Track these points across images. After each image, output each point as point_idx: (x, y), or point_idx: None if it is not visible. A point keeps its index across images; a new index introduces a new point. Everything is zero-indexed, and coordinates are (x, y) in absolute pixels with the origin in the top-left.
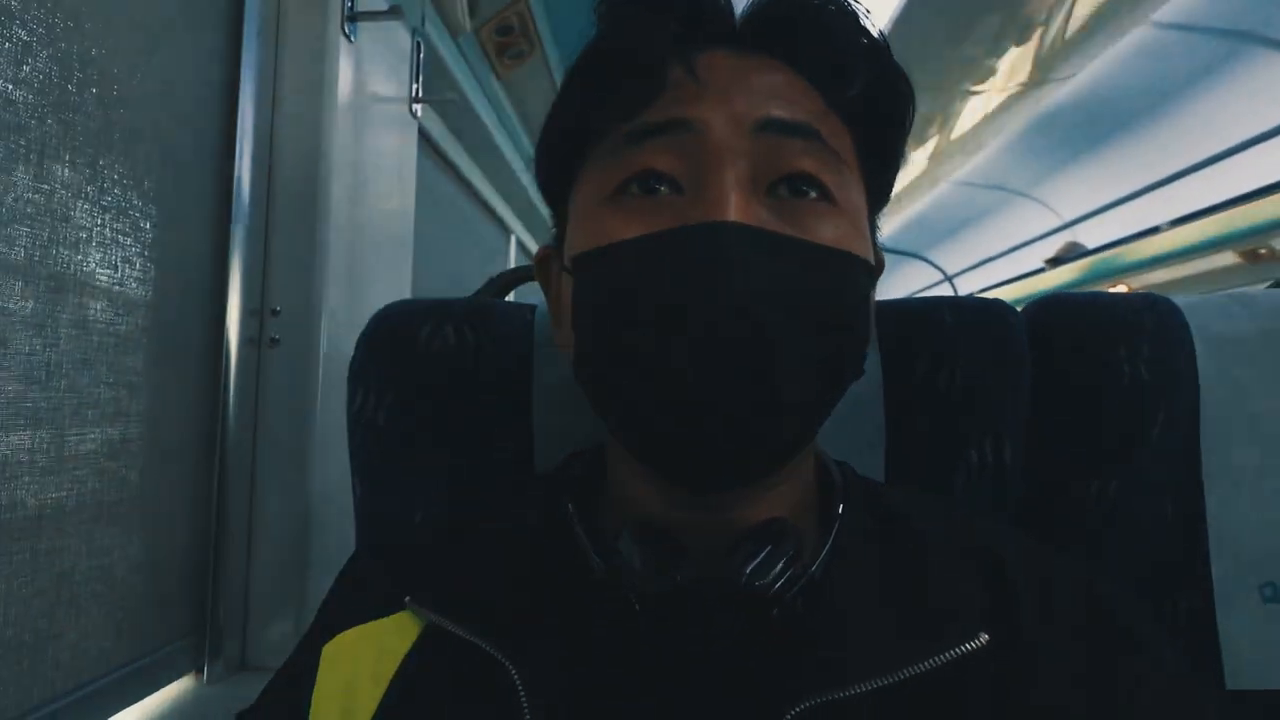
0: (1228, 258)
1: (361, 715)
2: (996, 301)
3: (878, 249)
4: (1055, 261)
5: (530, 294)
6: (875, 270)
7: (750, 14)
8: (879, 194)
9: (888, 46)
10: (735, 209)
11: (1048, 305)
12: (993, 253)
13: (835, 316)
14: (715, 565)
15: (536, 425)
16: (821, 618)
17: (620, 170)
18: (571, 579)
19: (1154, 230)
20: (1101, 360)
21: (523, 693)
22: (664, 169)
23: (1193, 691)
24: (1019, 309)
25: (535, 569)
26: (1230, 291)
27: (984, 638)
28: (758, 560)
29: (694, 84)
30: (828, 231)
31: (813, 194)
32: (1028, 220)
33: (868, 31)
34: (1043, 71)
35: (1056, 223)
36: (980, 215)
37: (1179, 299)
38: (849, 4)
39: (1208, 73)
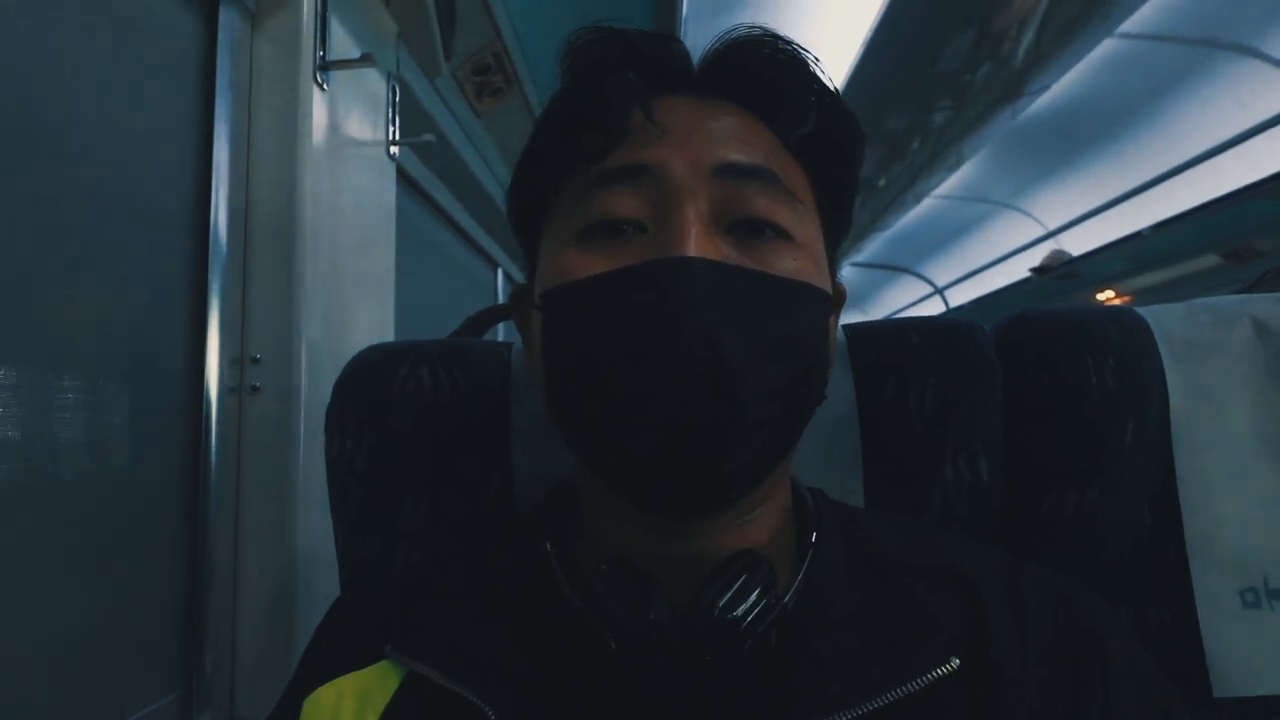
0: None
1: None
2: (965, 320)
3: (837, 282)
4: (1041, 270)
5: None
6: (835, 300)
7: (707, 61)
8: (836, 228)
9: (836, 91)
10: (695, 244)
11: (1016, 321)
12: (981, 264)
13: (793, 342)
14: (689, 598)
15: (516, 463)
16: (795, 649)
17: (586, 213)
18: (550, 620)
19: (1136, 236)
20: (1070, 373)
21: None
22: (627, 214)
23: (1168, 702)
24: (987, 326)
25: (514, 612)
26: (1194, 301)
27: (955, 662)
28: (730, 593)
29: (655, 129)
30: (786, 265)
31: (769, 233)
32: (1012, 230)
33: (817, 77)
34: (1018, 84)
35: (1041, 232)
36: (966, 228)
37: (1144, 309)
38: (799, 52)
39: (1179, 80)
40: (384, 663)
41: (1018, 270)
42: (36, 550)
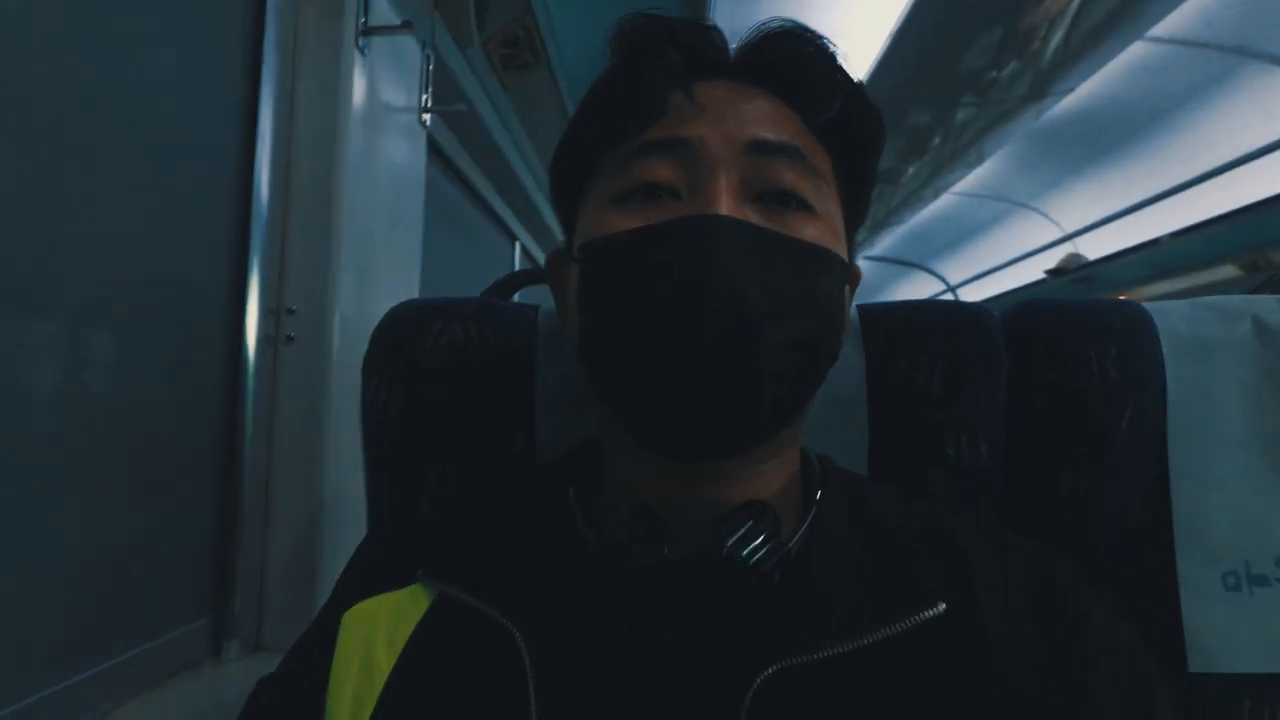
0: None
1: (378, 676)
2: (975, 305)
3: (853, 262)
4: (1057, 273)
5: (536, 298)
6: (851, 275)
7: (743, 50)
8: (855, 211)
9: (860, 82)
10: (726, 206)
11: (1024, 310)
12: (995, 264)
13: (812, 302)
14: (700, 541)
15: (540, 419)
16: (795, 590)
17: (626, 179)
18: (570, 556)
19: (1154, 243)
20: (1073, 362)
21: (526, 654)
22: (664, 179)
23: (1146, 674)
24: (996, 314)
25: (538, 548)
26: (1198, 299)
27: (941, 606)
28: (738, 535)
29: (693, 107)
30: (808, 233)
31: (794, 204)
32: (1029, 231)
33: (843, 69)
34: (1044, 84)
35: (1058, 234)
36: (983, 226)
37: (1149, 304)
38: (827, 45)
39: (1207, 87)
40: (416, 585)
41: (1032, 272)
42: (85, 485)
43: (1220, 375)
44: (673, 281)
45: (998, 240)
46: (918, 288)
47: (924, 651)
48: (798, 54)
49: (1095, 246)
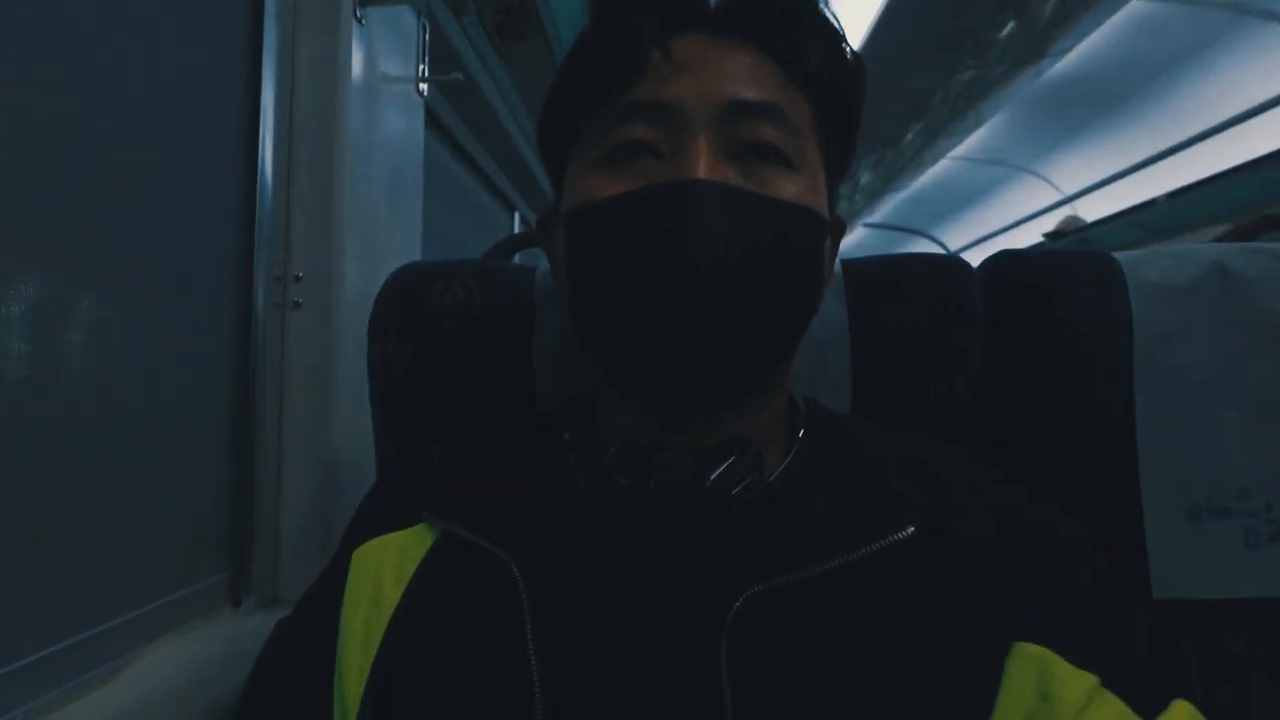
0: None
1: (386, 608)
2: (952, 256)
3: (836, 212)
4: (1055, 236)
5: (538, 259)
6: (834, 229)
7: (721, 4)
8: (837, 161)
9: (841, 32)
10: (705, 169)
11: (1001, 260)
12: (995, 228)
13: (792, 259)
14: (685, 475)
15: (538, 373)
16: (775, 521)
17: (608, 141)
18: (566, 495)
19: (1151, 204)
20: (1045, 308)
21: (522, 585)
22: (645, 139)
23: (1121, 588)
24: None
25: (535, 489)
26: (1167, 246)
27: (910, 530)
28: (721, 469)
29: (671, 66)
30: (787, 190)
31: (774, 159)
32: (1028, 195)
33: (824, 18)
34: (1042, 45)
35: (1057, 197)
36: (982, 191)
37: (1120, 254)
38: None
39: (1205, 45)
40: (421, 525)
41: (1032, 235)
42: (103, 445)
43: (1186, 320)
44: (654, 247)
45: (998, 204)
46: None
47: (898, 572)
48: (779, 5)
49: (1095, 209)
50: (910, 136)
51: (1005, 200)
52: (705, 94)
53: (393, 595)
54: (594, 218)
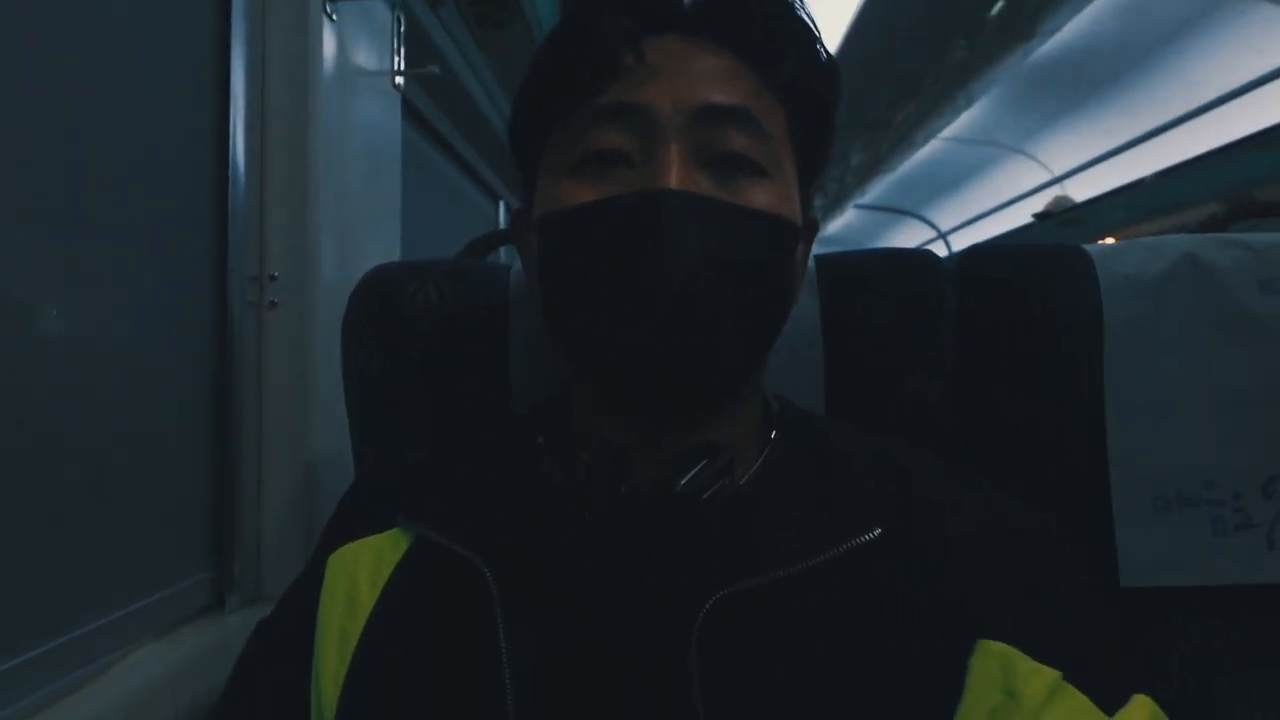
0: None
1: (361, 612)
2: (923, 251)
3: (809, 214)
4: (1044, 217)
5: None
6: (806, 231)
7: (696, 4)
8: (811, 163)
9: (817, 34)
10: (676, 178)
11: (973, 253)
12: (986, 208)
13: (762, 268)
14: (656, 481)
15: (513, 373)
16: (745, 524)
17: (580, 147)
18: (539, 498)
19: (1139, 184)
20: (1016, 301)
21: (494, 588)
22: (616, 146)
23: (1085, 583)
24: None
25: (508, 492)
26: (1138, 239)
27: (876, 532)
28: (691, 474)
29: (643, 69)
30: (758, 198)
31: (745, 168)
32: (1019, 175)
33: (799, 19)
34: (1031, 24)
35: (1046, 177)
36: (973, 171)
37: (1090, 246)
38: None
39: (1191, 25)
40: (396, 529)
41: (1023, 215)
42: (81, 448)
43: (1156, 312)
44: (626, 258)
45: (988, 185)
46: (909, 236)
47: (865, 573)
48: (753, 7)
49: (1085, 188)
50: (900, 118)
51: (995, 180)
52: (677, 98)
53: (368, 599)
54: (566, 226)
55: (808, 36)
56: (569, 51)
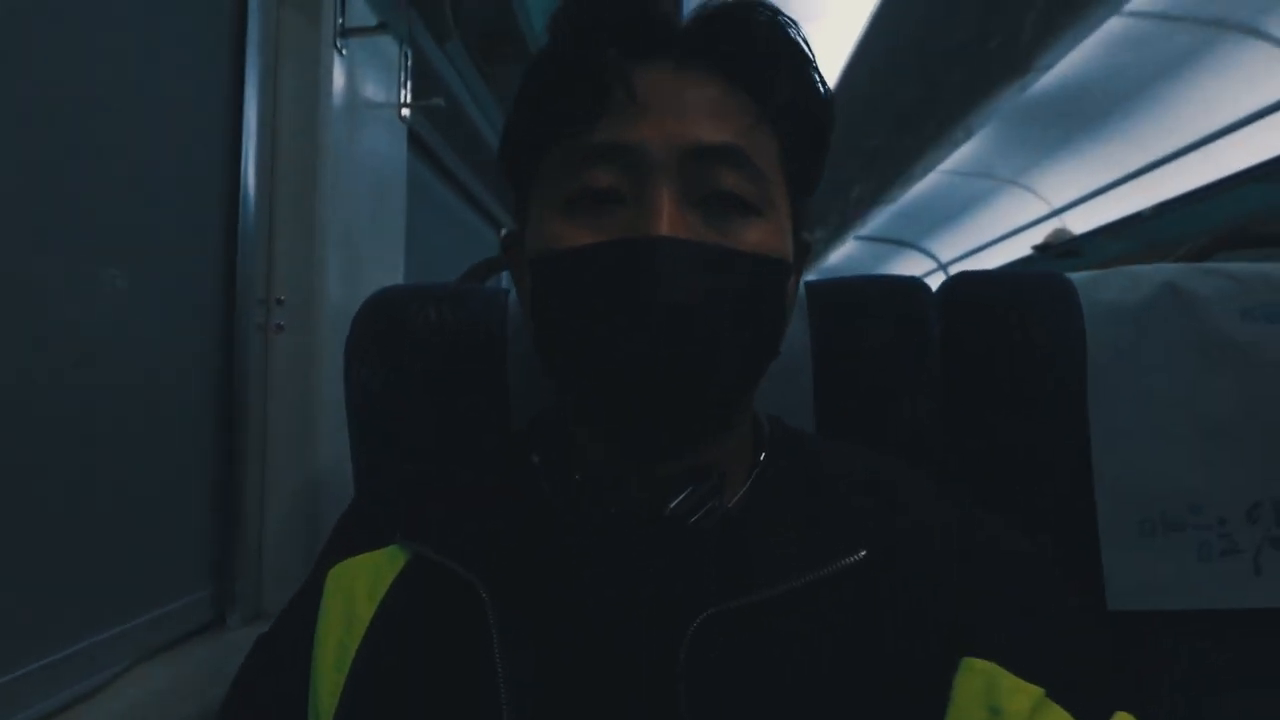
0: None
1: (359, 627)
2: (911, 278)
3: (801, 237)
4: (1043, 249)
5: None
6: (801, 256)
7: (690, 26)
8: (804, 188)
9: (812, 60)
10: (668, 221)
11: (959, 281)
12: (986, 240)
13: (754, 309)
14: (651, 503)
15: (512, 392)
16: (734, 546)
17: (572, 185)
18: (534, 518)
19: (1137, 217)
20: (1001, 328)
21: (489, 607)
22: (608, 186)
23: (1069, 602)
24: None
25: (503, 510)
26: (1120, 268)
27: (862, 553)
28: (681, 497)
29: (635, 106)
30: (751, 236)
31: (737, 207)
32: (1018, 208)
33: (794, 45)
34: (1026, 60)
35: (1045, 210)
36: (972, 204)
37: (1074, 275)
38: (778, 18)
39: (1185, 60)
40: (393, 546)
41: (1022, 248)
42: (89, 465)
43: (1139, 339)
44: (618, 302)
45: (987, 217)
46: (909, 267)
47: (851, 593)
48: (748, 34)
49: (1084, 221)
50: (900, 150)
51: (995, 213)
52: (668, 136)
53: (366, 614)
54: (560, 270)
55: (801, 60)
56: (558, 84)
